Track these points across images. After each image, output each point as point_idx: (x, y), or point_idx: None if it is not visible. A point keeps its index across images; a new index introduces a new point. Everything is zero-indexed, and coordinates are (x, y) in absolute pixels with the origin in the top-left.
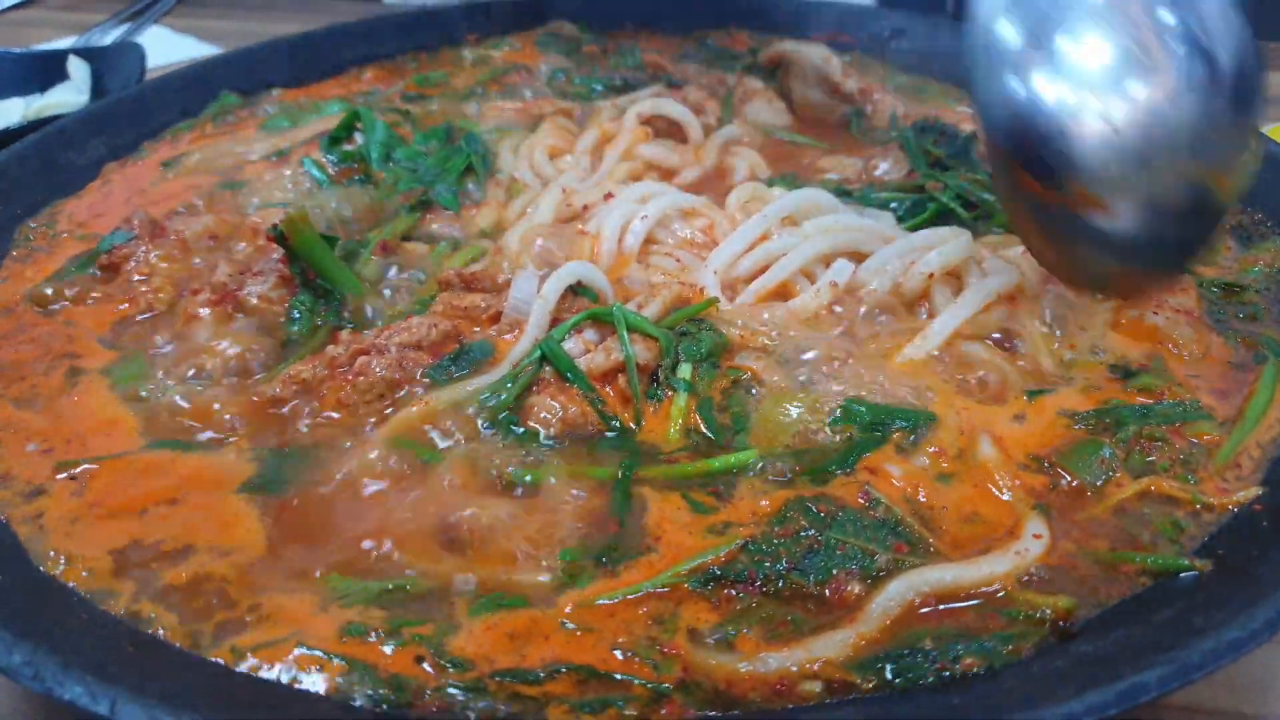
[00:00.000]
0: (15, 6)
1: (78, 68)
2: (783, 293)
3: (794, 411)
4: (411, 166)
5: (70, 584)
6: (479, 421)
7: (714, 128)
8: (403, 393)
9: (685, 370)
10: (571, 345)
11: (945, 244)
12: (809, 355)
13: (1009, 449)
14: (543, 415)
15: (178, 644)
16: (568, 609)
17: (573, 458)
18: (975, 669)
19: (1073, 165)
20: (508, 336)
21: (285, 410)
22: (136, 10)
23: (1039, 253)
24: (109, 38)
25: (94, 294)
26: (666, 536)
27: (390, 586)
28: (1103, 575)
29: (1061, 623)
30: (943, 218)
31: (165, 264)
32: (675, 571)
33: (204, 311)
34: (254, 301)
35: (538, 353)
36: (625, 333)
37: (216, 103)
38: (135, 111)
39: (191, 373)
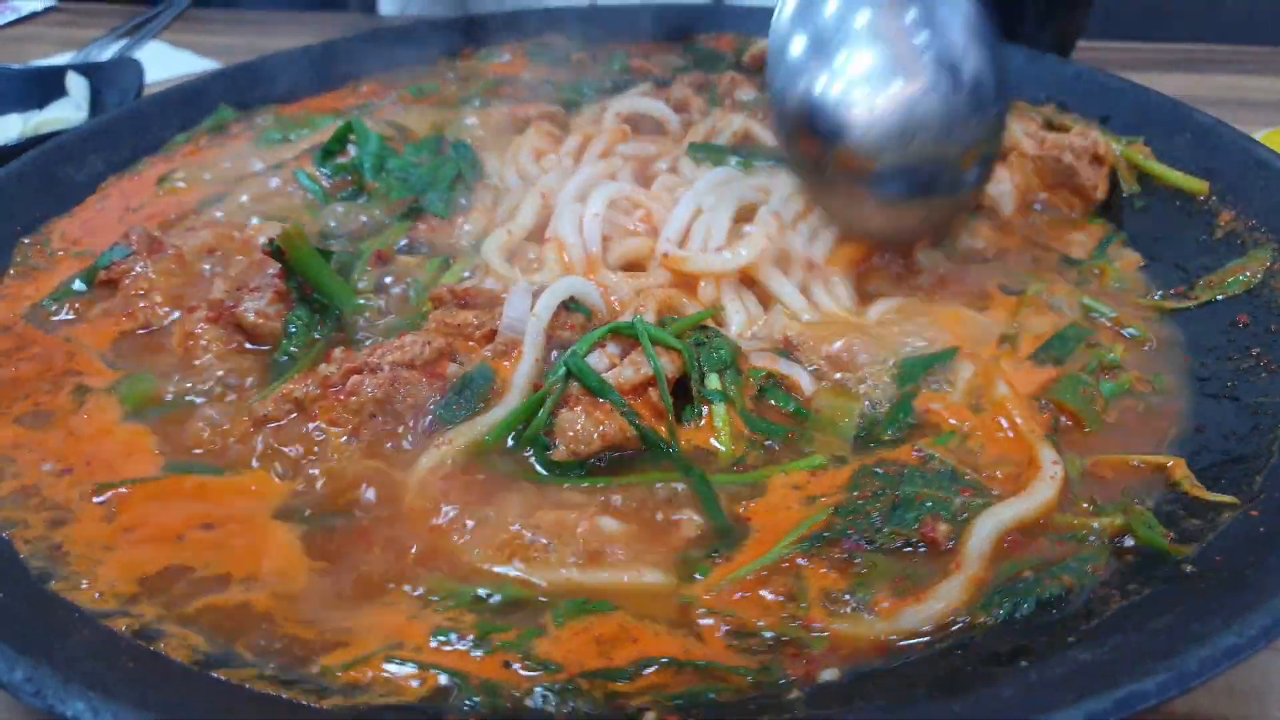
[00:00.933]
0: (13, 23)
1: (76, 83)
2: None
3: (852, 406)
4: (403, 177)
5: (73, 600)
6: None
7: (696, 123)
8: (418, 423)
9: (714, 381)
10: (594, 360)
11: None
12: (833, 347)
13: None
14: (577, 431)
15: (179, 659)
16: (706, 596)
17: (626, 471)
18: (1073, 587)
19: (840, 132)
20: (506, 363)
21: (311, 429)
22: (134, 26)
23: (824, 205)
24: (107, 53)
25: (93, 310)
26: (757, 519)
27: (483, 593)
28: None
29: (1115, 540)
30: None
31: (163, 278)
32: (784, 544)
33: (201, 329)
34: (251, 318)
35: (563, 369)
36: (650, 346)
37: (213, 117)
38: (134, 127)
39: (199, 391)
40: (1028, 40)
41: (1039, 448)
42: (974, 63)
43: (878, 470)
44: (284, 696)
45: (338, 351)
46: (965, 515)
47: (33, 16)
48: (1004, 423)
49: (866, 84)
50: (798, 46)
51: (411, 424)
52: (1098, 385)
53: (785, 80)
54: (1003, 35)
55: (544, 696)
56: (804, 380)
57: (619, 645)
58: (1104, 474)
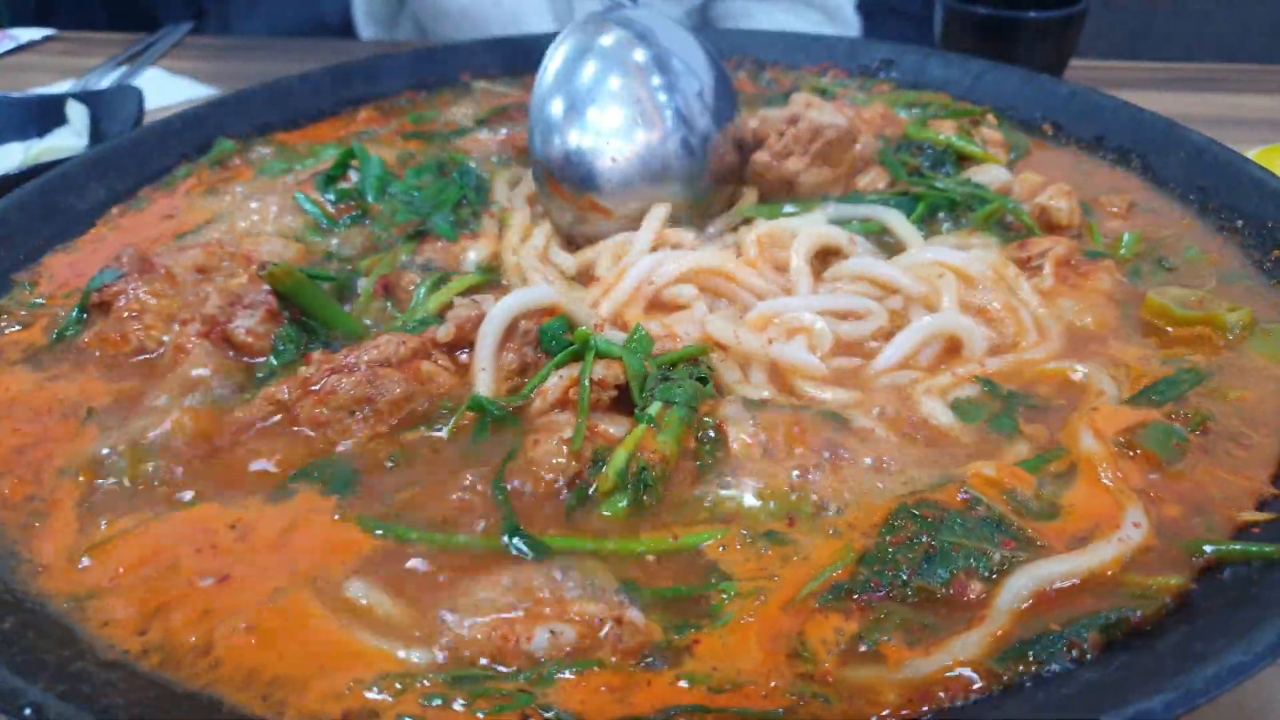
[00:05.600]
0: (12, 51)
1: (77, 111)
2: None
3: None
4: (407, 200)
5: (94, 634)
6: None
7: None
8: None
9: (655, 408)
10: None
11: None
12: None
13: (1105, 436)
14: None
15: (199, 684)
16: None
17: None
18: (1102, 644)
19: (590, 185)
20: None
21: None
22: (133, 53)
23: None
24: (106, 81)
25: (86, 336)
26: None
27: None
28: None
29: (1180, 595)
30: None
31: (155, 299)
32: (806, 592)
33: (193, 343)
34: (241, 335)
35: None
36: (590, 358)
37: (214, 151)
38: (135, 155)
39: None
40: (1022, 60)
41: (1127, 507)
42: (706, 122)
43: (915, 512)
44: None
45: (317, 354)
46: (1003, 570)
47: (31, 45)
48: (1087, 475)
49: (606, 138)
50: (557, 107)
51: (391, 420)
52: (1191, 433)
53: (544, 135)
54: (997, 56)
55: None
56: (735, 443)
57: (633, 690)
58: (1171, 514)
